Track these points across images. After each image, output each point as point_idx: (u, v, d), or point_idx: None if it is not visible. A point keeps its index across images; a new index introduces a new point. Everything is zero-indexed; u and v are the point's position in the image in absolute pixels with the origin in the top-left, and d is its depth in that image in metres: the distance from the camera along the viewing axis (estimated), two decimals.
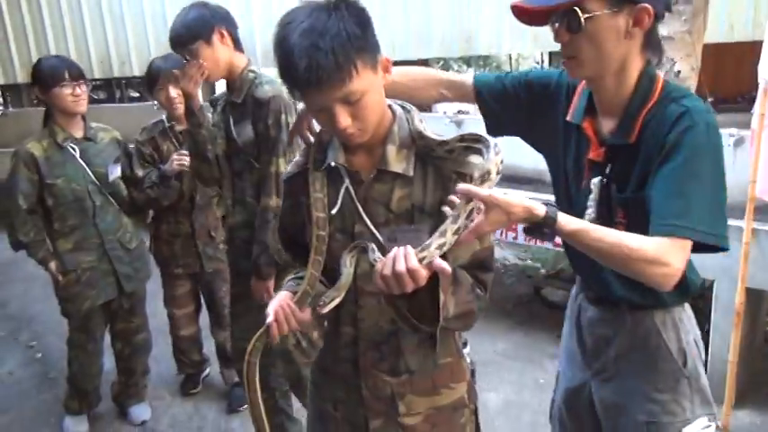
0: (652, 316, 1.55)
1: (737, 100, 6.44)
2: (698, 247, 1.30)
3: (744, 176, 2.86)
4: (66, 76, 2.70)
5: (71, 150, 2.79)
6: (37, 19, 6.65)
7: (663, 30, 4.20)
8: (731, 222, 2.84)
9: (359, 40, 1.16)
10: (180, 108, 2.82)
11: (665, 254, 1.24)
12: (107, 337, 3.13)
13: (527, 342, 3.88)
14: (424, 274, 1.13)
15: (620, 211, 1.41)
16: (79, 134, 2.84)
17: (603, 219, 1.44)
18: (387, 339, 1.40)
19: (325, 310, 1.26)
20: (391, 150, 1.32)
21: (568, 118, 1.52)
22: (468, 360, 1.57)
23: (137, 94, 8.65)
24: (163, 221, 3.12)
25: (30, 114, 6.49)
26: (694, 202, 1.28)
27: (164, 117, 3.02)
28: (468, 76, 1.70)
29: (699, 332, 1.62)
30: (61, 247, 2.83)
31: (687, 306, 1.61)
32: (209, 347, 3.44)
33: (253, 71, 2.39)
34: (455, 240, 1.17)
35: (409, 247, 1.15)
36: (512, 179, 4.48)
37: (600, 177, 1.46)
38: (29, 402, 3.50)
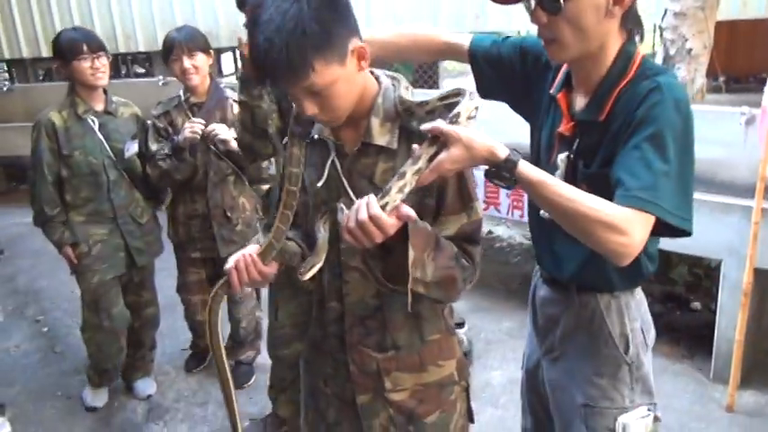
0: (597, 298, 1.51)
1: (749, 80, 6.37)
2: (659, 229, 1.25)
3: (754, 155, 2.83)
4: (85, 48, 2.65)
5: (90, 123, 2.77)
6: None
7: (675, 5, 4.17)
8: (741, 201, 2.86)
9: (317, 37, 1.12)
10: (194, 79, 2.81)
11: (625, 221, 1.18)
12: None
13: None
14: (388, 221, 1.14)
15: (583, 186, 1.34)
16: (100, 107, 2.81)
17: None
18: (373, 314, 1.40)
19: (307, 276, 1.28)
20: (375, 123, 1.31)
21: (551, 91, 1.50)
22: (465, 340, 1.57)
23: (142, 70, 8.60)
24: (179, 202, 3.02)
25: (36, 89, 6.48)
26: (661, 178, 1.22)
27: (180, 91, 2.95)
28: (466, 39, 1.66)
29: (649, 318, 1.58)
30: (72, 219, 2.81)
31: (638, 291, 1.57)
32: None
33: None
34: (415, 181, 1.17)
35: (371, 195, 1.14)
36: None
37: (567, 153, 1.44)
38: (35, 375, 3.52)
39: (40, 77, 7.82)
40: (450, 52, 1.70)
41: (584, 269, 1.47)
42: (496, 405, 2.94)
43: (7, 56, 7.01)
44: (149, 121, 2.95)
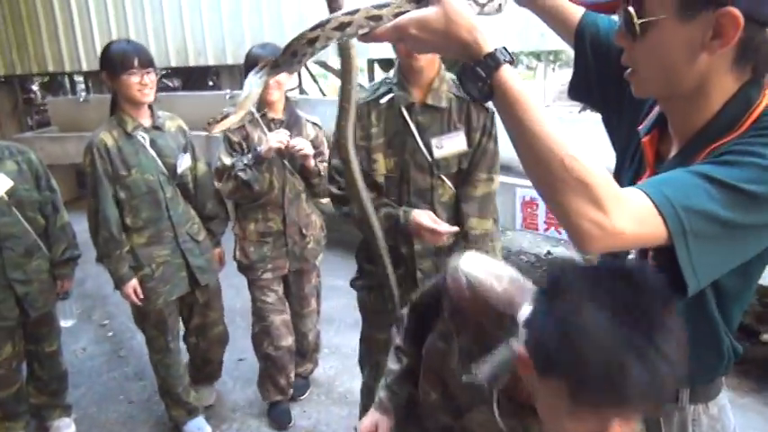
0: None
1: None
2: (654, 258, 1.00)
3: None
4: (136, 63, 2.57)
5: (141, 140, 2.67)
6: (119, 5, 6.85)
7: None
8: None
9: None
10: (275, 95, 2.79)
11: (613, 198, 0.87)
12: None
13: None
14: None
15: (652, 255, 1.07)
16: (148, 122, 2.72)
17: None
18: None
19: (215, 129, 1.17)
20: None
21: (639, 127, 1.19)
22: None
23: (211, 83, 8.84)
24: (250, 221, 2.90)
25: (108, 100, 6.67)
26: (713, 213, 0.90)
27: (252, 108, 2.89)
28: (579, 11, 1.31)
29: None
30: (134, 242, 2.71)
31: (719, 399, 1.24)
32: None
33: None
34: (368, 28, 0.98)
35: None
36: (509, 169, 4.32)
37: None
38: (99, 378, 3.63)
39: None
40: (560, 23, 1.34)
41: None
42: None
43: (85, 68, 7.29)
44: (221, 134, 2.84)
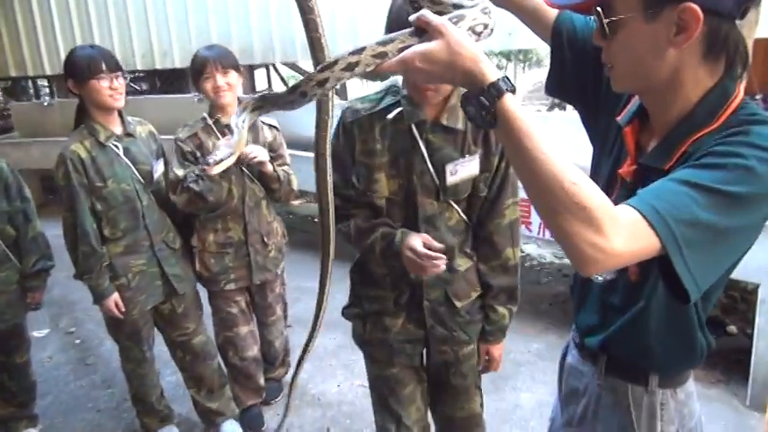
0: (627, 387, 1.29)
1: None
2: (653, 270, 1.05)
3: None
4: (104, 67, 2.48)
5: (114, 148, 2.58)
6: (82, 9, 6.75)
7: None
8: None
9: None
10: (227, 97, 2.69)
11: (609, 219, 0.90)
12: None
13: (561, 343, 3.80)
14: None
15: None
16: (119, 130, 2.62)
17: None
18: None
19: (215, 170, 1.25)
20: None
21: (618, 118, 1.23)
22: None
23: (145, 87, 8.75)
24: (209, 231, 2.81)
25: (73, 104, 6.57)
26: (701, 220, 0.94)
27: (205, 114, 2.78)
28: (554, 10, 1.34)
29: (695, 424, 1.31)
30: (111, 252, 2.61)
31: (686, 387, 1.30)
32: None
33: None
34: (374, 65, 1.02)
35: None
36: None
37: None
38: (66, 387, 3.57)
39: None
40: (536, 20, 1.37)
41: (623, 334, 1.25)
42: (526, 428, 2.89)
43: (48, 71, 7.17)
44: (175, 144, 2.76)
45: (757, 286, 2.91)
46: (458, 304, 1.95)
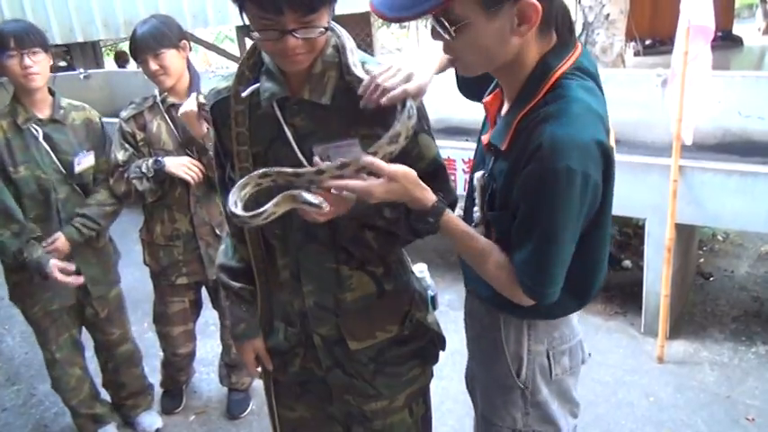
0: (498, 311, 1.41)
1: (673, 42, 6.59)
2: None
3: (670, 116, 2.93)
4: (12, 44, 2.21)
5: (33, 133, 2.35)
6: None
7: None
8: (660, 161, 2.96)
9: None
10: (166, 81, 2.42)
11: (514, 289, 1.24)
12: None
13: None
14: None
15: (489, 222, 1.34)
16: (46, 113, 2.39)
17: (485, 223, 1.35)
18: None
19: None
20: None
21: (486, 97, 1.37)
22: None
23: (63, 64, 8.18)
24: (156, 222, 2.61)
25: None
26: (531, 256, 1.18)
27: (156, 90, 2.53)
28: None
29: (569, 346, 1.41)
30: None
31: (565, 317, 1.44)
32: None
33: None
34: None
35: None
36: (444, 131, 4.51)
37: (483, 172, 1.33)
38: None
39: None
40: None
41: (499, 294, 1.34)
42: (440, 376, 2.95)
43: None
44: (117, 125, 2.54)
45: (645, 221, 3.10)
46: (352, 346, 1.50)
